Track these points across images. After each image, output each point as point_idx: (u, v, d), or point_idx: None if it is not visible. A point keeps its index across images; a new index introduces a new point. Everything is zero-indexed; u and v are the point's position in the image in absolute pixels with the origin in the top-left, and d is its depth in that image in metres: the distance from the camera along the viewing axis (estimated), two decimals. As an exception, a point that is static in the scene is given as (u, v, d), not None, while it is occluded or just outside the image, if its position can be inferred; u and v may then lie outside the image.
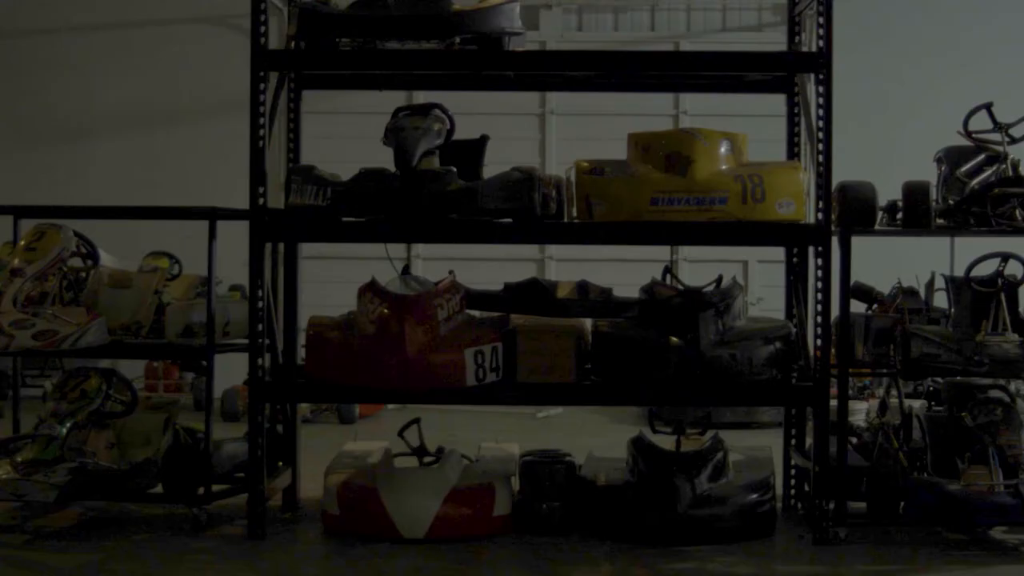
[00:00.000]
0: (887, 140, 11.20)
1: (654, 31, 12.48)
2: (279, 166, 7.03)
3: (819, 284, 6.22)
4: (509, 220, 6.12)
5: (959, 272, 6.70)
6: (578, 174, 6.22)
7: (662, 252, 10.59)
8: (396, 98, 8.60)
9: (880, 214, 6.46)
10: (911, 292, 6.85)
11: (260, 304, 6.17)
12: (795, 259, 6.83)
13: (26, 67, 12.45)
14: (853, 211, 6.27)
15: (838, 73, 6.13)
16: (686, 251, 11.70)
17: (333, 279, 10.12)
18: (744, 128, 6.58)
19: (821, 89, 6.14)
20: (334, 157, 7.42)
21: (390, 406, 10.68)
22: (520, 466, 6.53)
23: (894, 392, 6.84)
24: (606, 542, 6.08)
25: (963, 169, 6.59)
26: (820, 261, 6.22)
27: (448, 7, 6.28)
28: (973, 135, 6.64)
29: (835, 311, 6.21)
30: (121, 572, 5.68)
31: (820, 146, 6.15)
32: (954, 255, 8.62)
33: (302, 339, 6.79)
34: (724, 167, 6.19)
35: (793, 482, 6.85)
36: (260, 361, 6.17)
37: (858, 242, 6.24)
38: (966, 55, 11.79)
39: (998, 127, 6.63)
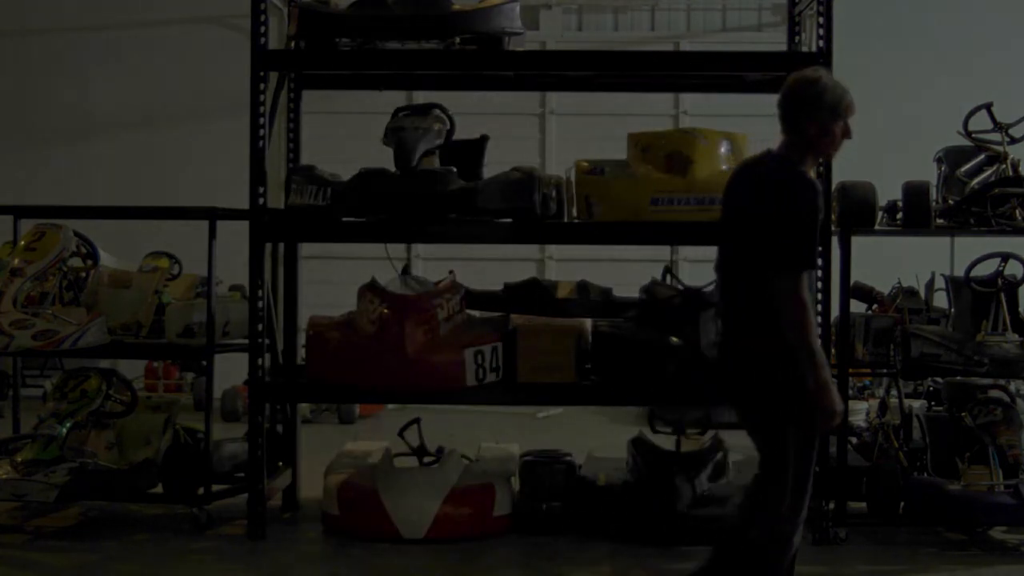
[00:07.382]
0: (887, 140, 11.19)
1: (654, 31, 12.47)
2: (279, 166, 7.04)
3: (819, 284, 6.21)
4: (509, 220, 6.12)
5: (959, 272, 6.71)
6: (578, 174, 6.22)
7: (662, 252, 10.57)
8: (396, 98, 8.60)
9: (880, 214, 6.46)
10: (911, 292, 6.86)
11: (260, 304, 6.17)
12: (795, 259, 6.81)
13: (26, 67, 12.43)
14: (853, 211, 6.27)
15: (838, 73, 6.11)
16: (686, 251, 11.67)
17: (333, 279, 10.11)
18: (744, 128, 6.57)
19: (821, 89, 6.11)
20: (334, 157, 7.42)
21: (390, 406, 10.66)
22: (520, 466, 6.53)
23: (894, 392, 6.84)
24: (606, 542, 6.08)
25: (963, 169, 6.60)
26: (820, 261, 6.21)
27: (448, 7, 6.28)
28: (973, 135, 6.64)
29: (835, 311, 6.21)
30: (121, 572, 5.68)
31: (820, 146, 6.13)
32: (954, 255, 8.61)
33: (302, 339, 6.80)
34: (724, 167, 6.18)
35: (793, 482, 6.83)
36: (260, 361, 6.17)
37: (858, 242, 6.24)
38: (966, 55, 11.77)
39: (998, 127, 6.63)
